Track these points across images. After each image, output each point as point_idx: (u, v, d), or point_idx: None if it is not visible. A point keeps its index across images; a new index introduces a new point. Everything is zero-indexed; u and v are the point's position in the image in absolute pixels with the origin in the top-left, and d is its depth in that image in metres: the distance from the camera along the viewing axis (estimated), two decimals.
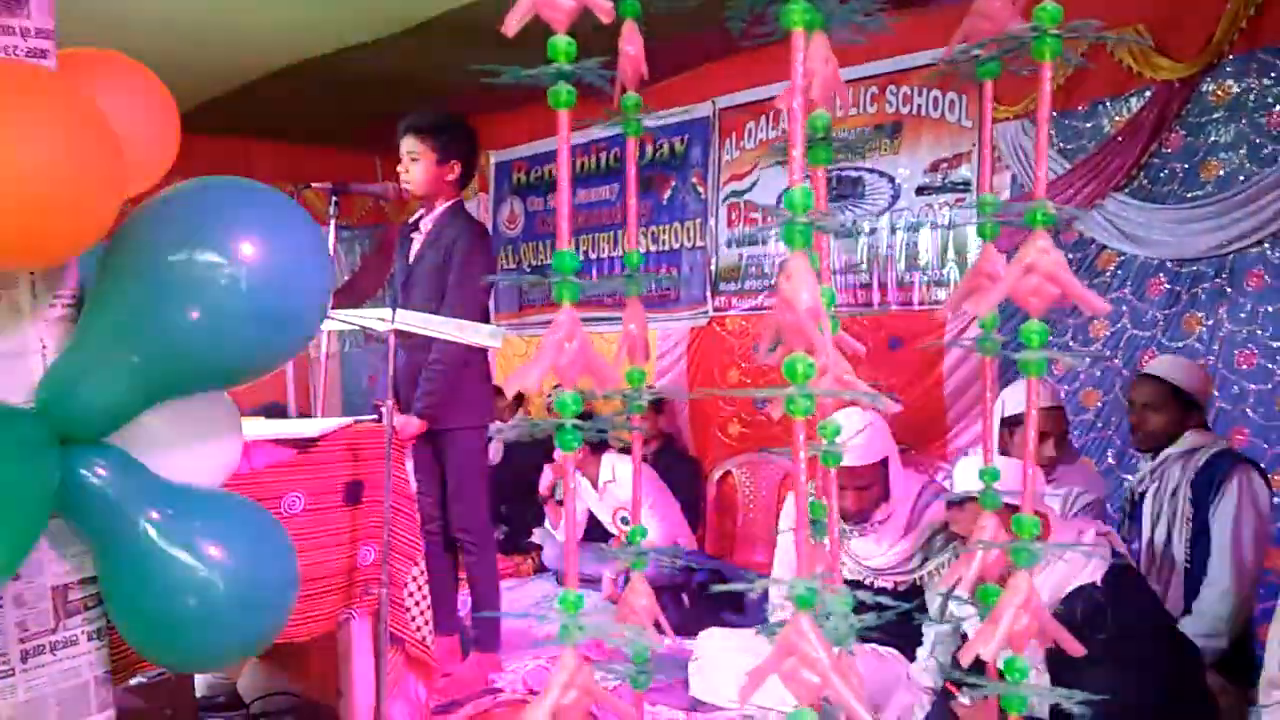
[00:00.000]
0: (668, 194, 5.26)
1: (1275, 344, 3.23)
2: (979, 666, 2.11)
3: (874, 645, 2.82)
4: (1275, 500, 3.15)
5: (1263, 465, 3.22)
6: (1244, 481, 2.70)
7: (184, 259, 1.30)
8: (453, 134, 3.14)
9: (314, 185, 3.01)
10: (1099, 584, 2.06)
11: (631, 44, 0.67)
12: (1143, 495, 2.96)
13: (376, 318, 2.11)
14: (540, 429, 0.52)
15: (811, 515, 0.64)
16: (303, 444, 2.14)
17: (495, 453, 5.14)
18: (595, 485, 4.45)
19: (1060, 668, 2.10)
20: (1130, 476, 3.58)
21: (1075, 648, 0.60)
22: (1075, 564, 2.10)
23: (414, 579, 2.39)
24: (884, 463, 2.85)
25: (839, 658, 0.46)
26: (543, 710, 0.49)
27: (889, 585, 2.90)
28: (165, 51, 4.15)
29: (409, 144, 3.11)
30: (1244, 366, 3.32)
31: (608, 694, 0.54)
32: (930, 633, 2.69)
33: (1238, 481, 2.70)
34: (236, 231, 1.31)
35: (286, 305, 1.36)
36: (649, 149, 5.33)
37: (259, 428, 2.17)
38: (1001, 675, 0.65)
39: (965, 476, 2.37)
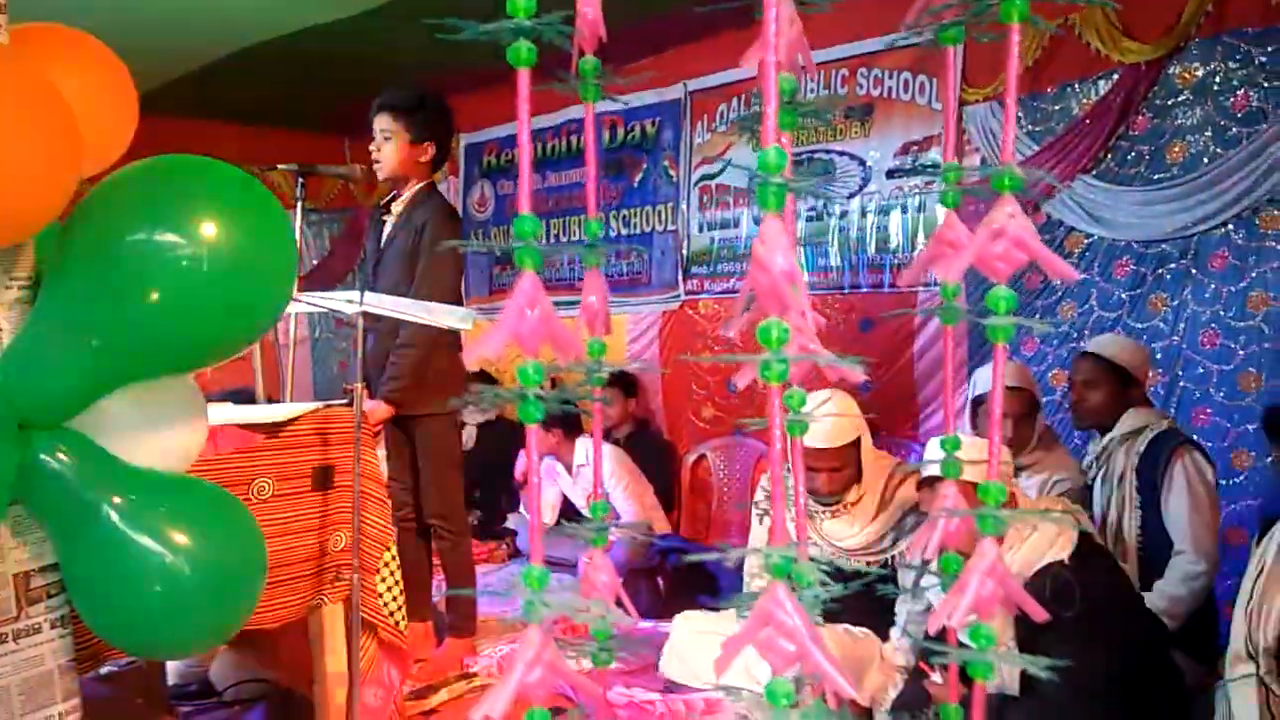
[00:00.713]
0: (639, 177, 5.24)
1: (1239, 324, 3.28)
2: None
3: (846, 626, 2.84)
4: (1226, 479, 3.21)
5: (1225, 444, 3.28)
6: (1189, 467, 2.73)
7: (143, 239, 1.27)
8: (428, 114, 3.07)
9: (279, 167, 2.95)
10: (1066, 561, 2.08)
11: (589, 5, 0.65)
12: (1092, 480, 2.99)
13: (344, 300, 2.09)
14: (502, 399, 0.51)
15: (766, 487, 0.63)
16: (271, 429, 2.11)
17: (468, 439, 5.12)
18: (570, 470, 4.45)
19: (1029, 644, 2.13)
20: None
21: (1039, 613, 0.60)
22: (1043, 542, 2.12)
23: (386, 564, 2.37)
24: (855, 444, 2.86)
25: (814, 627, 0.45)
26: (509, 688, 0.49)
27: (861, 565, 2.92)
28: (125, 31, 4.06)
29: (382, 122, 3.04)
30: (1207, 346, 3.36)
31: (574, 671, 0.53)
32: (903, 612, 2.71)
33: (1182, 467, 2.73)
34: (197, 211, 1.29)
35: (249, 286, 1.34)
36: (620, 131, 5.30)
37: (226, 413, 2.13)
38: (961, 645, 0.64)
39: (937, 457, 2.38)
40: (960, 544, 0.65)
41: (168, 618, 1.40)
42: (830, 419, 2.81)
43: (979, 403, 3.12)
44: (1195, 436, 2.99)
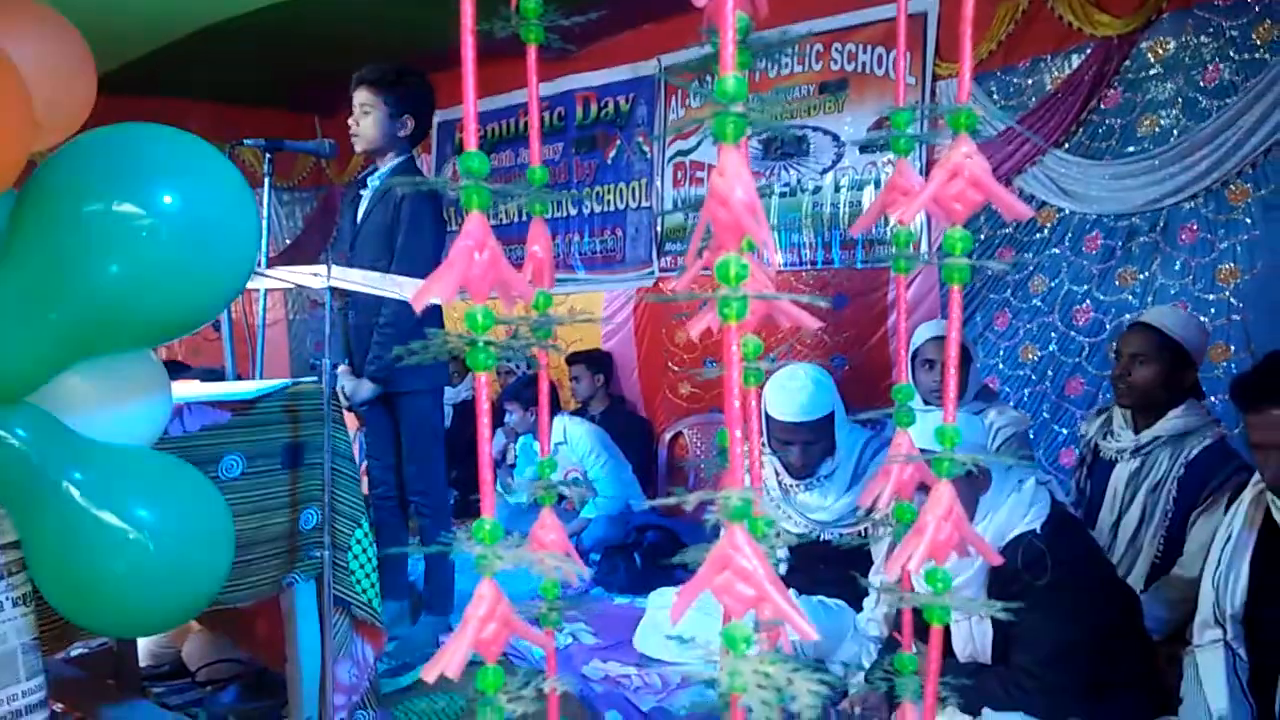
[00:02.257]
0: (612, 153, 5.21)
1: (1208, 297, 3.30)
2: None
3: (820, 597, 2.85)
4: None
5: None
6: (1237, 499, 2.27)
7: (100, 209, 1.25)
8: (408, 88, 3.04)
9: (246, 142, 2.91)
10: (1038, 531, 2.10)
11: None
12: (1108, 461, 2.75)
13: (310, 274, 2.06)
14: (453, 349, 0.50)
15: (719, 443, 0.63)
16: (240, 406, 2.08)
17: (446, 417, 5.10)
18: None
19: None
20: (1065, 430, 3.65)
21: (993, 558, 0.60)
22: (1015, 512, 2.13)
23: (358, 541, 2.36)
24: (829, 418, 2.87)
25: (773, 569, 0.45)
26: (464, 644, 0.48)
27: (834, 538, 2.93)
28: (90, 7, 3.99)
29: (361, 96, 3.01)
30: None
31: (528, 626, 0.52)
32: (876, 583, 2.72)
33: (1230, 498, 2.34)
34: (154, 180, 1.26)
35: (210, 256, 1.31)
36: (593, 107, 5.26)
37: (194, 389, 2.11)
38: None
39: (934, 440, 2.38)
40: (908, 491, 0.65)
41: (132, 595, 1.39)
42: (804, 393, 2.82)
43: (915, 356, 3.11)
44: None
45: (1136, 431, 2.68)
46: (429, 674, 0.49)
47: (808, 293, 4.40)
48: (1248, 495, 2.04)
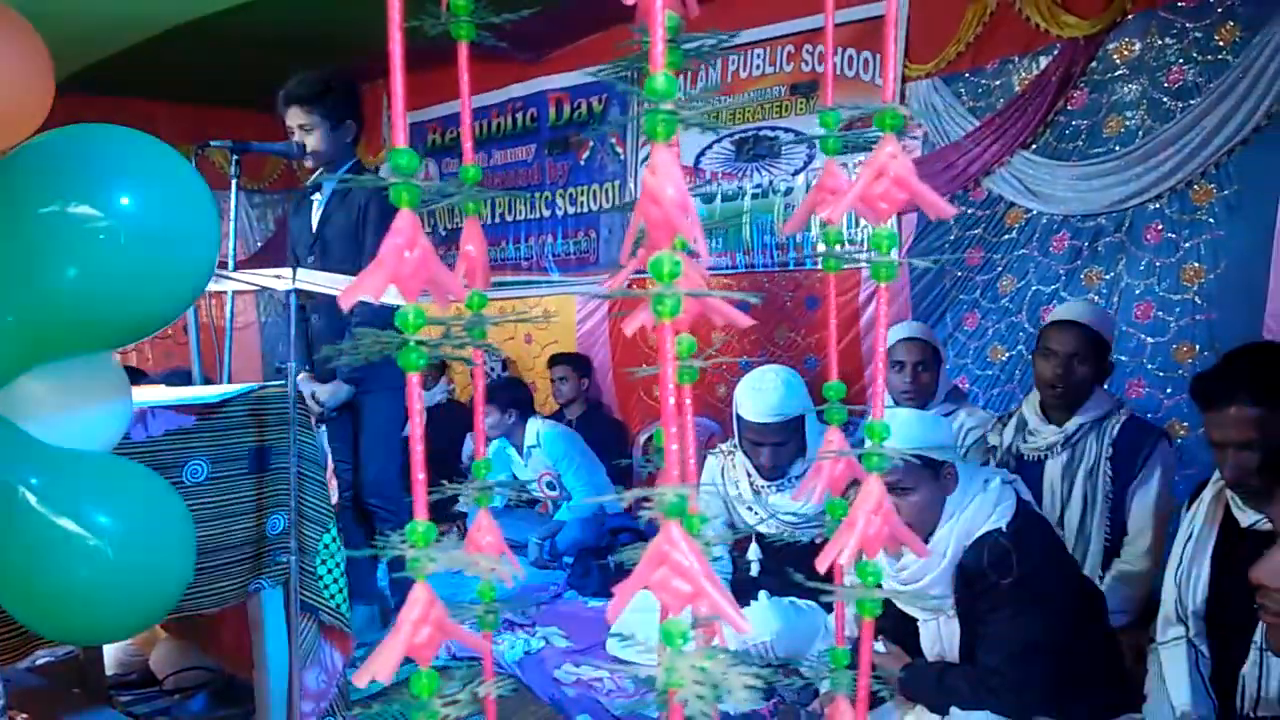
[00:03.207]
0: (585, 155, 5.21)
1: (1173, 296, 3.34)
2: (899, 628, 2.12)
3: (792, 598, 2.86)
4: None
5: (1159, 416, 3.35)
6: (1166, 462, 2.61)
7: (56, 211, 1.23)
8: (337, 95, 3.02)
9: (213, 144, 2.88)
10: (1004, 530, 2.11)
11: None
12: (1034, 461, 2.76)
13: (273, 276, 2.05)
14: (389, 349, 0.50)
15: (656, 444, 0.63)
16: (204, 410, 2.07)
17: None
18: (520, 452, 4.43)
19: (968, 611, 2.16)
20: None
21: (922, 550, 0.61)
22: (982, 511, 2.15)
23: (326, 546, 2.34)
24: (800, 419, 2.88)
25: (709, 565, 0.45)
26: (397, 648, 0.48)
27: (806, 539, 2.94)
28: (54, 5, 3.94)
29: (296, 116, 2.99)
30: (1141, 319, 3.42)
31: (462, 629, 0.52)
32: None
33: (1161, 462, 2.60)
34: (112, 182, 1.25)
35: (169, 258, 1.30)
36: (566, 109, 5.26)
37: (158, 393, 2.09)
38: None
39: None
40: (840, 486, 0.66)
41: (91, 602, 1.37)
42: (775, 393, 2.83)
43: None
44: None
45: (1060, 425, 2.73)
46: (360, 679, 0.49)
47: (781, 294, 4.42)
48: (1208, 494, 2.06)
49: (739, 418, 2.90)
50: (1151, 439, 2.64)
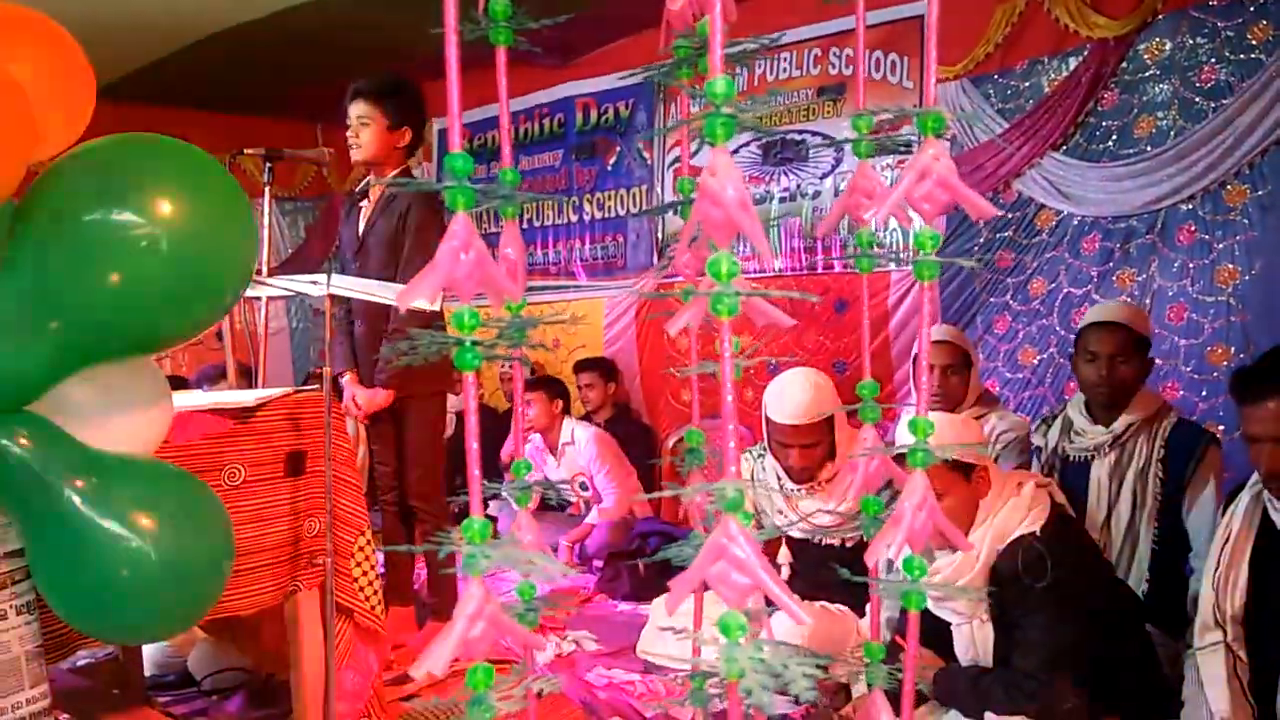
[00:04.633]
0: (612, 160, 5.23)
1: (1206, 298, 3.31)
2: (933, 633, 2.09)
3: (823, 602, 2.85)
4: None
5: (1195, 419, 3.30)
6: (1218, 468, 2.53)
7: (99, 219, 1.26)
8: (404, 99, 3.06)
9: (246, 151, 2.92)
10: (1039, 533, 2.10)
11: None
12: (1080, 462, 2.71)
13: (308, 282, 2.07)
14: (443, 347, 0.51)
15: (690, 443, 0.64)
16: (241, 414, 2.09)
17: (449, 424, 5.10)
18: (554, 450, 4.45)
19: (1002, 616, 2.15)
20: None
21: (963, 544, 0.61)
22: (1015, 515, 2.14)
23: (360, 549, 2.36)
24: (829, 421, 2.88)
25: (766, 558, 0.46)
26: (451, 643, 0.49)
27: (836, 542, 2.94)
28: (92, 17, 4.02)
29: (359, 109, 3.02)
30: (1175, 321, 3.39)
31: (516, 624, 0.53)
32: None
33: (1213, 467, 2.52)
34: (154, 189, 1.28)
35: (208, 265, 1.33)
36: (593, 114, 5.28)
37: (196, 398, 2.12)
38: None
39: (908, 433, 2.39)
40: (875, 484, 0.66)
41: (133, 602, 1.39)
42: (804, 395, 2.83)
43: (916, 360, 3.09)
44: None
45: (1107, 425, 2.68)
46: (416, 670, 0.50)
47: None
48: (1245, 495, 2.04)
49: (768, 420, 2.90)
50: (1203, 442, 2.58)
